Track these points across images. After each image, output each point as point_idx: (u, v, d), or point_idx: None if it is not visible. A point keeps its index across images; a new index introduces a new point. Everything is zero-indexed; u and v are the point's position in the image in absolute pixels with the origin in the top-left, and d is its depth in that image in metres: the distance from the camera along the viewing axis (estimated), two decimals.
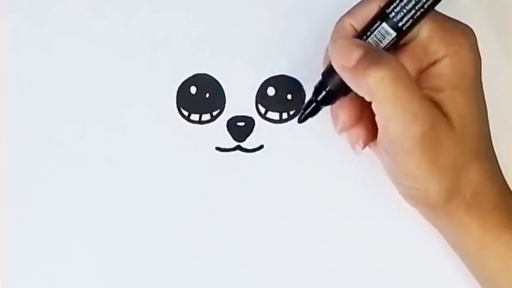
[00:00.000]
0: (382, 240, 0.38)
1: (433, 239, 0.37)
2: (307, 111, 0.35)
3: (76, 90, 0.39)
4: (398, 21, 0.31)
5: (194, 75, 0.39)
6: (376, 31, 0.32)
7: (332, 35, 0.34)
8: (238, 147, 0.39)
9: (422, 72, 0.32)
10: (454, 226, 0.33)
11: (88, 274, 0.38)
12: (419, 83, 0.32)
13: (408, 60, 0.33)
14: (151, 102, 0.39)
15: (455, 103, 0.31)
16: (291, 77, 0.39)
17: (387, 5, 0.32)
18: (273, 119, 0.39)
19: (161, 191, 0.38)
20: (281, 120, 0.39)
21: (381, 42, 0.32)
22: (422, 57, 0.32)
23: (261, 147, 0.39)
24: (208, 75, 0.39)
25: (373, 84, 0.30)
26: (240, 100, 0.39)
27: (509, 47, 0.39)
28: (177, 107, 0.39)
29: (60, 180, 0.38)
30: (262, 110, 0.39)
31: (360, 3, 0.34)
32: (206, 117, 0.39)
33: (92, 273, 0.38)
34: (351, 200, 0.38)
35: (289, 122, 0.39)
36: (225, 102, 0.39)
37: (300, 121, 0.35)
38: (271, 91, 0.39)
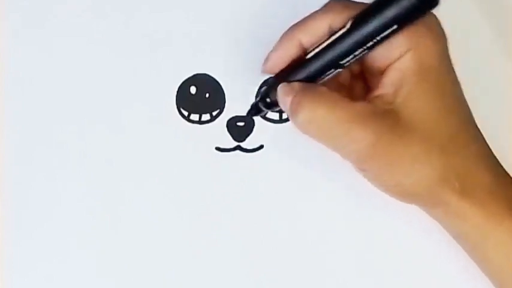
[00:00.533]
0: (382, 240, 0.38)
1: (434, 238, 0.37)
2: (253, 112, 0.37)
3: (76, 90, 0.39)
4: (348, 64, 0.31)
5: (194, 75, 0.39)
6: (328, 76, 0.32)
7: (277, 45, 0.34)
8: (238, 147, 0.39)
9: (387, 68, 0.31)
10: (451, 215, 0.32)
11: (88, 274, 0.38)
12: (382, 80, 0.31)
13: (372, 58, 0.32)
14: (151, 102, 0.39)
15: (415, 100, 0.30)
16: None
17: (340, 58, 0.30)
18: (272, 119, 0.39)
19: (161, 191, 0.38)
20: (281, 120, 0.39)
21: (328, 76, 0.32)
22: (387, 54, 0.31)
23: (261, 147, 0.39)
24: (208, 75, 0.39)
25: (302, 130, 0.31)
26: (240, 100, 0.39)
27: (509, 47, 0.39)
28: (177, 107, 0.39)
29: (60, 180, 0.38)
30: None
31: (310, 18, 0.33)
32: (206, 117, 0.39)
33: (92, 273, 0.38)
34: (350, 200, 0.38)
35: (289, 122, 0.39)
36: (225, 102, 0.39)
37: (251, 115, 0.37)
38: None
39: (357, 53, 0.29)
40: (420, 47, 0.30)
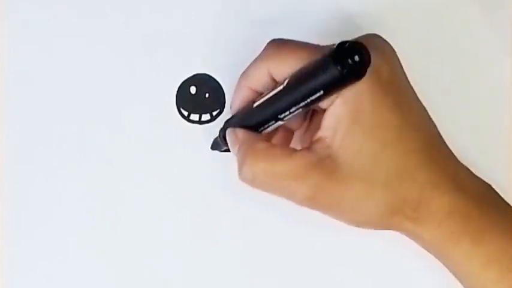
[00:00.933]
0: (382, 241, 0.38)
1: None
2: (215, 147, 0.38)
3: (76, 90, 0.39)
4: (287, 118, 0.31)
5: (194, 75, 0.39)
6: (272, 126, 0.33)
7: (234, 89, 0.35)
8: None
9: (325, 112, 0.31)
10: (411, 237, 0.33)
11: (88, 274, 0.38)
12: (321, 124, 0.31)
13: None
14: (151, 102, 0.39)
15: (351, 141, 0.30)
16: None
17: (278, 112, 0.31)
18: None
19: (161, 191, 0.38)
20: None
21: (270, 126, 0.33)
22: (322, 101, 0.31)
23: None
24: (208, 75, 0.39)
25: (246, 183, 0.32)
26: None
27: (509, 46, 0.39)
28: (177, 107, 0.39)
29: (60, 180, 0.38)
30: None
31: (251, 66, 0.34)
32: (206, 117, 0.39)
33: (91, 273, 0.38)
34: None
35: None
36: (224, 102, 0.39)
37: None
38: None
39: (292, 110, 0.30)
40: (346, 93, 0.30)
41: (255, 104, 0.33)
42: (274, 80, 0.33)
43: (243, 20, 0.39)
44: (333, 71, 0.26)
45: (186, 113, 0.39)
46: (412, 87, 0.33)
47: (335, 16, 0.39)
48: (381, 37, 0.33)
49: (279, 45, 0.33)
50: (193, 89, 0.39)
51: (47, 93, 0.39)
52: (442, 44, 0.39)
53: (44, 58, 0.39)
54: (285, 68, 0.31)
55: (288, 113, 0.30)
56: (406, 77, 0.33)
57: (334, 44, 0.27)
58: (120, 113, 0.39)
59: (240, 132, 0.34)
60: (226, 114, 0.39)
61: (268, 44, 0.34)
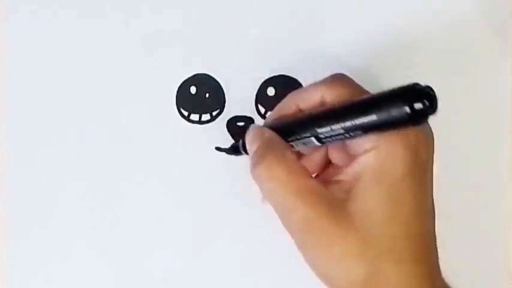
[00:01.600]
0: None
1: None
2: (230, 151, 0.37)
3: (76, 90, 0.39)
4: (326, 140, 0.31)
5: (194, 75, 0.39)
6: (304, 140, 0.32)
7: (278, 106, 0.35)
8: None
9: (355, 157, 0.31)
10: None
11: (88, 274, 0.38)
12: (346, 168, 0.31)
13: (347, 143, 0.32)
14: (151, 102, 0.39)
15: (366, 198, 0.30)
16: (291, 77, 0.39)
17: (318, 126, 0.30)
18: None
19: (161, 190, 0.38)
20: None
21: (304, 144, 0.32)
22: (357, 145, 0.31)
23: None
24: (208, 75, 0.39)
25: (255, 179, 0.32)
26: (239, 100, 0.39)
27: (509, 46, 0.40)
28: (177, 107, 0.39)
29: (60, 180, 0.38)
30: (262, 110, 0.39)
31: (307, 87, 0.34)
32: (206, 117, 0.39)
33: (91, 273, 0.38)
34: None
35: None
36: (224, 102, 0.39)
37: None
38: (271, 91, 0.39)
39: (334, 128, 0.29)
40: (384, 150, 0.30)
41: (300, 114, 0.32)
42: (324, 104, 0.32)
43: (243, 20, 0.39)
44: (399, 109, 0.25)
45: (186, 113, 0.39)
46: (432, 177, 0.32)
47: (332, 20, 0.39)
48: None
49: (342, 78, 0.33)
50: (193, 89, 0.39)
51: (47, 93, 0.39)
52: (442, 45, 0.40)
53: (44, 58, 0.39)
54: (340, 96, 0.31)
55: (329, 129, 0.29)
56: (433, 165, 0.32)
57: (404, 85, 0.26)
58: (120, 113, 0.39)
59: (268, 132, 0.33)
60: (226, 114, 0.39)
61: (334, 74, 0.33)
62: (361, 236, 0.30)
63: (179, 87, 0.39)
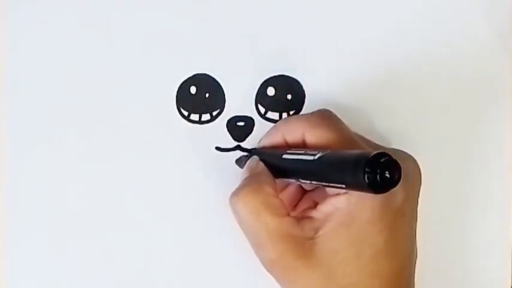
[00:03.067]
0: None
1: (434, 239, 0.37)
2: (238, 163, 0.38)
3: (76, 90, 0.39)
4: (308, 185, 0.32)
5: (194, 75, 0.39)
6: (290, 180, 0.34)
7: (267, 133, 0.37)
8: (238, 147, 0.39)
9: (329, 197, 0.32)
10: None
11: (88, 274, 0.38)
12: (319, 206, 0.32)
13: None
14: (151, 102, 0.39)
15: (332, 238, 0.31)
16: (291, 77, 0.39)
17: (301, 177, 0.32)
18: (272, 119, 0.39)
19: (161, 190, 0.38)
20: None
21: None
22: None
23: None
24: (208, 75, 0.39)
25: (231, 206, 0.33)
26: (239, 100, 0.39)
27: (509, 46, 0.39)
28: (177, 107, 0.39)
29: (60, 180, 0.38)
30: (262, 110, 0.39)
31: (293, 119, 0.36)
32: (206, 117, 0.39)
33: (92, 273, 0.38)
34: None
35: None
36: (224, 102, 0.39)
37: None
38: (271, 91, 0.39)
39: (314, 182, 0.31)
40: (356, 195, 0.31)
41: (284, 156, 0.33)
42: (304, 142, 0.34)
43: (243, 20, 0.39)
44: (360, 179, 0.26)
45: (186, 113, 0.39)
46: (415, 218, 0.33)
47: (332, 20, 0.39)
48: (412, 160, 0.34)
49: (326, 117, 0.34)
50: (193, 89, 0.39)
51: (47, 93, 0.39)
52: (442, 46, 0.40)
53: (44, 58, 0.39)
54: (320, 139, 0.33)
55: (309, 182, 0.31)
56: (417, 207, 0.33)
57: (368, 152, 0.27)
58: (120, 113, 0.39)
59: (260, 166, 0.35)
60: (226, 114, 0.39)
61: (319, 110, 0.35)
62: (325, 272, 0.31)
63: (179, 87, 0.39)
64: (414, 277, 0.34)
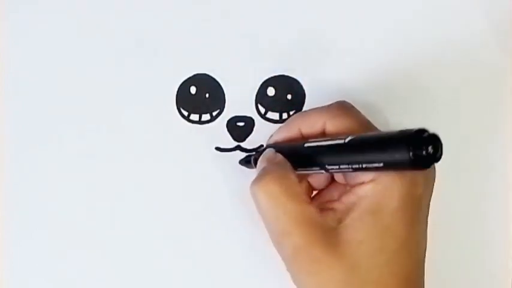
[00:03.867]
0: None
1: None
2: (243, 163, 0.38)
3: (76, 90, 0.39)
4: (332, 171, 0.31)
5: (194, 75, 0.39)
6: (312, 171, 0.33)
7: (280, 128, 0.37)
8: (238, 147, 0.39)
9: (352, 188, 0.32)
10: None
11: (88, 274, 0.38)
12: (342, 197, 0.32)
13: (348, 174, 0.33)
14: (151, 102, 0.39)
15: (357, 228, 0.31)
16: (291, 77, 0.39)
17: (328, 163, 0.31)
18: (272, 119, 0.39)
19: (161, 190, 0.38)
20: (281, 121, 0.39)
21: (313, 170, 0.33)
22: (356, 176, 0.32)
23: (261, 147, 0.39)
24: (208, 75, 0.39)
25: (252, 195, 0.32)
26: (239, 100, 0.39)
27: (509, 46, 0.40)
28: (177, 107, 0.39)
29: (61, 180, 0.38)
30: (262, 110, 0.39)
31: (310, 112, 0.35)
32: (206, 117, 0.39)
33: (92, 273, 0.38)
34: None
35: None
36: (224, 102, 0.39)
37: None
38: (271, 91, 0.39)
39: (343, 167, 0.30)
40: (382, 183, 0.30)
41: (307, 145, 0.33)
42: (324, 133, 0.33)
43: (243, 20, 0.39)
44: (403, 155, 0.26)
45: (186, 113, 0.39)
46: (428, 211, 0.33)
47: (332, 20, 0.39)
48: None
49: (345, 108, 0.34)
50: (193, 89, 0.39)
51: (47, 94, 0.39)
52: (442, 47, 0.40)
53: (44, 58, 0.39)
54: (341, 128, 0.32)
55: (337, 167, 0.30)
56: (429, 200, 0.33)
57: (411, 130, 0.26)
58: (120, 113, 0.39)
59: (279, 157, 0.34)
60: (226, 114, 0.39)
61: (338, 102, 0.35)
62: (349, 265, 0.30)
63: (179, 87, 0.39)
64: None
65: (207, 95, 0.39)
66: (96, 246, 0.38)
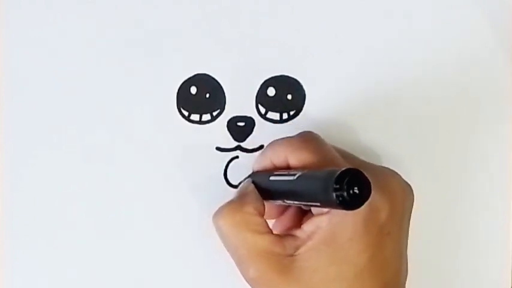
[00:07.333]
0: None
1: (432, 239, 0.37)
2: None
3: (76, 90, 0.39)
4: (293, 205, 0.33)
5: (194, 75, 0.39)
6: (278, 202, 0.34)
7: (257, 158, 0.37)
8: (239, 147, 0.39)
9: (312, 216, 0.33)
10: None
11: (88, 274, 0.38)
12: (302, 225, 0.33)
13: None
14: (152, 103, 0.39)
15: (312, 257, 0.32)
16: (291, 77, 0.39)
17: (284, 197, 0.32)
18: (273, 119, 0.39)
19: (161, 190, 0.38)
20: (281, 121, 0.39)
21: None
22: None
23: (261, 147, 0.39)
24: (208, 75, 0.39)
25: (214, 223, 0.34)
26: (240, 100, 0.39)
27: (509, 46, 0.40)
28: (177, 107, 0.39)
29: (61, 181, 0.38)
30: (263, 110, 0.39)
31: (276, 144, 0.36)
32: (206, 117, 0.39)
33: (92, 273, 0.38)
34: None
35: (289, 122, 0.39)
36: (225, 102, 0.39)
37: None
38: (271, 91, 0.39)
39: (296, 202, 0.31)
40: (338, 215, 0.31)
41: (271, 178, 0.34)
42: (289, 165, 0.34)
43: (243, 20, 0.39)
44: (330, 196, 0.26)
45: (186, 113, 0.39)
46: (405, 235, 0.33)
47: (332, 20, 0.39)
48: (398, 177, 0.34)
49: (307, 139, 0.35)
50: (193, 89, 0.39)
51: (47, 94, 0.39)
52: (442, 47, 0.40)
53: (44, 58, 0.39)
54: (302, 161, 0.33)
55: (292, 202, 0.32)
56: (407, 224, 0.33)
57: (336, 170, 0.27)
58: (121, 113, 0.39)
59: (250, 187, 0.35)
60: (227, 114, 0.39)
61: (301, 133, 0.36)
62: None
63: (179, 88, 0.39)
64: None
65: (207, 95, 0.39)
66: (96, 246, 0.38)
